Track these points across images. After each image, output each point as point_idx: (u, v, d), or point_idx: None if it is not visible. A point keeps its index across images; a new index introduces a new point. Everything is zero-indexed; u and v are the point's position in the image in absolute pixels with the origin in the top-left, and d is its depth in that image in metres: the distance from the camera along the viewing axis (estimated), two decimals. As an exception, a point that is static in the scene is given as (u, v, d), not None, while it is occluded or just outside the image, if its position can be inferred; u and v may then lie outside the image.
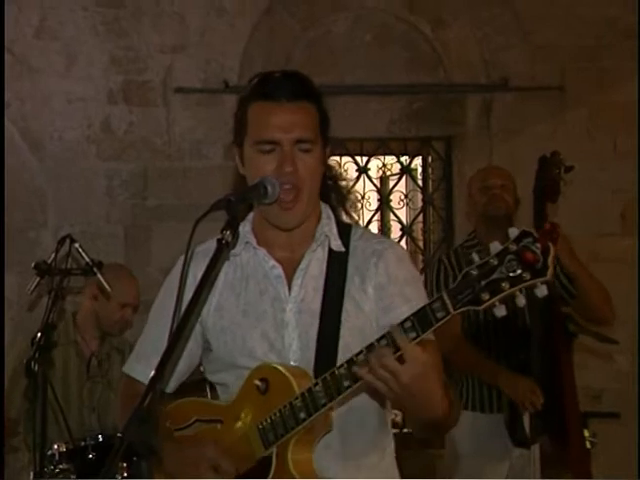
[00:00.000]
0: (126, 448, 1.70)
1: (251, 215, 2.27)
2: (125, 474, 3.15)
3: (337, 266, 2.19)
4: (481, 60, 5.45)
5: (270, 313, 2.18)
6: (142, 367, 2.27)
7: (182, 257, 2.16)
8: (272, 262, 2.20)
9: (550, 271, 1.77)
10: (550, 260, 1.76)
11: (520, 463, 3.93)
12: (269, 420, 2.07)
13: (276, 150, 2.11)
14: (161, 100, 5.24)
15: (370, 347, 1.92)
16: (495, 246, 1.80)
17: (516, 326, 3.89)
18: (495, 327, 3.93)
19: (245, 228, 2.24)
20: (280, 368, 2.10)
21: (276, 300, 2.19)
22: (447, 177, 5.62)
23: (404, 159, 5.69)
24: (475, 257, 1.83)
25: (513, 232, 1.80)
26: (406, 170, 5.71)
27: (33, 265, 3.59)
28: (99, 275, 3.65)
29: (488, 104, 5.47)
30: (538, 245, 1.76)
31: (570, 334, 3.81)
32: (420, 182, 5.78)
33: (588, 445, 3.76)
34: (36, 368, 3.24)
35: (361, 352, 1.93)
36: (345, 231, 2.24)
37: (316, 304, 2.16)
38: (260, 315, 2.18)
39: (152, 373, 1.81)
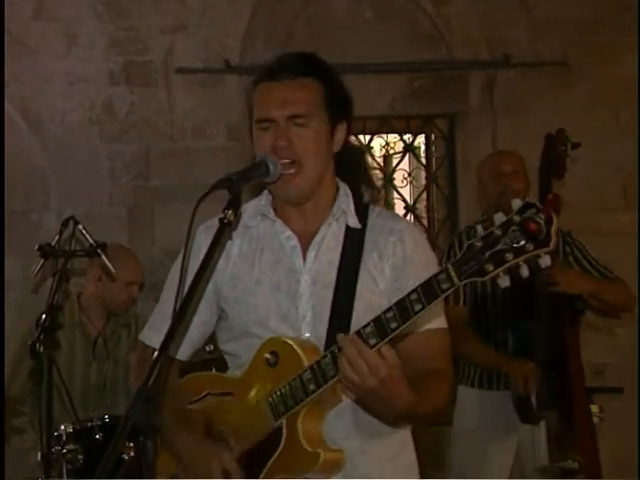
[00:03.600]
0: (131, 428, 1.71)
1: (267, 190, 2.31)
2: (131, 453, 3.16)
3: (354, 241, 2.22)
4: (483, 36, 5.42)
5: (284, 284, 2.21)
6: (156, 335, 2.29)
7: (201, 228, 2.22)
8: (288, 232, 2.23)
9: (553, 241, 1.77)
10: (553, 230, 1.77)
11: (527, 439, 3.95)
12: (279, 392, 2.10)
13: (272, 127, 2.17)
14: (162, 81, 5.23)
15: (377, 319, 1.94)
16: (499, 217, 1.82)
17: (523, 302, 3.90)
18: (502, 303, 3.94)
19: (262, 202, 2.29)
20: (290, 342, 2.12)
21: (290, 271, 2.21)
22: (450, 155, 5.61)
23: (407, 137, 5.68)
24: (479, 229, 1.84)
25: (517, 203, 1.81)
26: (409, 148, 5.70)
27: (37, 247, 3.59)
28: (103, 256, 3.65)
29: (491, 81, 5.44)
30: (542, 216, 1.78)
31: (577, 310, 3.81)
32: (423, 160, 5.78)
33: (595, 420, 3.77)
34: (41, 350, 3.25)
35: (368, 324, 1.95)
36: (363, 209, 2.27)
37: (331, 276, 2.19)
38: (274, 285, 2.21)
39: (155, 354, 1.82)
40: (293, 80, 2.18)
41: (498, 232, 1.80)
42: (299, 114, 2.16)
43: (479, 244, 1.82)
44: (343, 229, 2.23)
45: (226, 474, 2.13)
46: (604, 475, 3.82)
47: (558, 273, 3.67)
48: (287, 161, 2.15)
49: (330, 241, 2.22)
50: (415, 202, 5.72)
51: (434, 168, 5.71)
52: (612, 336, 5.29)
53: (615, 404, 4.56)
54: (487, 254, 1.81)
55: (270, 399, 2.12)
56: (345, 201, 2.25)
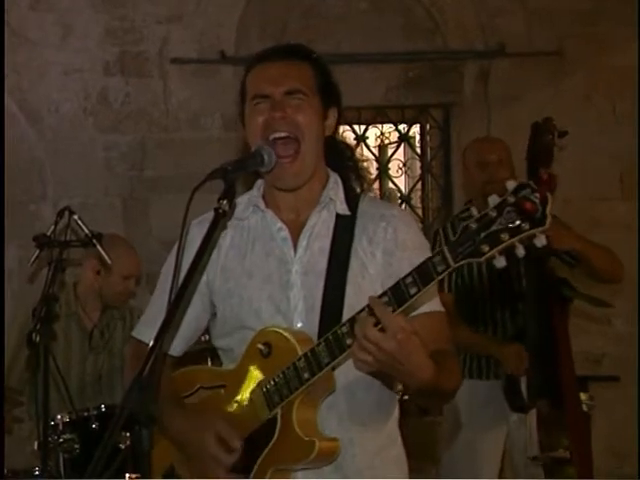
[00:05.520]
0: (127, 417, 1.71)
1: (259, 182, 2.31)
2: (128, 442, 3.17)
3: (344, 228, 2.21)
4: (478, 26, 5.42)
5: (276, 275, 2.21)
6: (149, 331, 2.26)
7: (194, 222, 2.22)
8: (279, 224, 2.23)
9: (549, 220, 1.77)
10: (548, 210, 1.77)
11: (517, 428, 3.97)
12: (273, 382, 2.09)
13: (267, 102, 2.19)
14: (157, 71, 5.23)
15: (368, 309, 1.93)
16: (494, 199, 1.81)
17: (512, 291, 3.92)
18: (491, 292, 3.95)
19: (253, 193, 2.29)
20: (283, 332, 2.12)
21: (282, 262, 2.21)
22: (445, 145, 5.62)
23: (402, 127, 5.69)
24: (474, 211, 1.84)
25: (511, 185, 1.80)
26: (404, 138, 5.70)
27: (33, 237, 3.59)
28: (99, 247, 3.64)
29: (485, 71, 5.44)
30: (537, 195, 1.77)
31: (565, 299, 3.82)
32: (418, 150, 5.78)
33: (585, 408, 3.78)
34: (37, 339, 3.26)
35: (363, 310, 1.94)
36: (353, 198, 2.27)
37: (322, 265, 2.18)
38: (266, 277, 2.21)
39: (151, 342, 1.82)
40: (287, 60, 2.22)
41: (493, 213, 1.80)
42: (295, 89, 2.18)
43: (474, 225, 1.82)
44: (333, 217, 2.23)
45: (221, 441, 2.12)
46: (599, 463, 3.84)
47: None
48: (283, 134, 2.15)
49: (321, 229, 2.23)
50: (410, 192, 5.72)
51: (429, 158, 5.71)
52: (609, 326, 5.31)
53: (611, 392, 4.59)
54: (482, 235, 1.81)
55: (264, 389, 2.11)
56: (334, 189, 2.25)
